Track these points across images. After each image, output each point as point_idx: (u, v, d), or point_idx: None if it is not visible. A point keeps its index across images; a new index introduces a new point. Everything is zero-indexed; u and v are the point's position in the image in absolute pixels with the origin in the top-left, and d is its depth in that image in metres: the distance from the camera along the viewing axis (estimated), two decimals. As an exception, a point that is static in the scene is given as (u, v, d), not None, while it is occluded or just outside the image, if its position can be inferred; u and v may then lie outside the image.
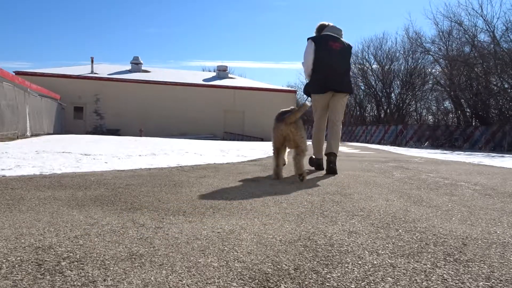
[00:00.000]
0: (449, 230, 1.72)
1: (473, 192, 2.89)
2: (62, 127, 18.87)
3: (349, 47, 4.25)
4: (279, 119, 3.38)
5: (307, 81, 4.34)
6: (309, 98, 4.39)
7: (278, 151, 3.43)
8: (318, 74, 4.11)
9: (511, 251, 1.43)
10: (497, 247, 1.47)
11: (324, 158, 4.09)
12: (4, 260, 1.17)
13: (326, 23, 4.29)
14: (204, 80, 27.32)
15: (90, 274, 1.08)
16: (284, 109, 3.56)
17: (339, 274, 1.16)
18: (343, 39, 4.24)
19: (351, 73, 4.44)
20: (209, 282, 1.07)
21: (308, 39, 4.21)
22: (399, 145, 22.70)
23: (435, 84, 30.65)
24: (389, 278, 1.13)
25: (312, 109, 4.33)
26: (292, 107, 3.71)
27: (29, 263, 1.16)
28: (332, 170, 3.84)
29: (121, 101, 23.58)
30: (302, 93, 4.52)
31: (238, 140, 22.09)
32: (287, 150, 3.70)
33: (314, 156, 4.30)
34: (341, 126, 4.15)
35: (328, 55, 4.06)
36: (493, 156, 10.43)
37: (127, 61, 33.36)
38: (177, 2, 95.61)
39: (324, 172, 4.00)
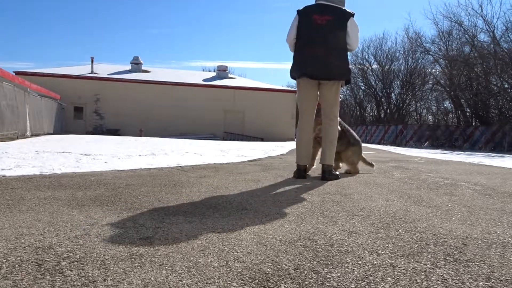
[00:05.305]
0: (449, 230, 1.72)
1: (473, 192, 2.89)
2: (62, 127, 18.85)
3: (344, 17, 3.20)
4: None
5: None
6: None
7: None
8: (296, 55, 3.38)
9: (511, 251, 1.42)
10: (497, 247, 1.47)
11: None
12: (4, 260, 1.17)
13: None
14: (204, 80, 27.29)
15: (90, 274, 1.08)
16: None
17: (339, 274, 1.15)
18: (343, 7, 3.27)
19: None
20: (209, 282, 1.06)
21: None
22: (399, 145, 22.70)
23: (435, 84, 30.70)
24: (389, 278, 1.13)
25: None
26: None
27: (29, 263, 1.15)
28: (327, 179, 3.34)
29: (121, 101, 23.54)
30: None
31: (238, 140, 22.06)
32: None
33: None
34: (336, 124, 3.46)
35: (308, 34, 3.25)
36: (493, 156, 10.44)
37: (127, 61, 33.32)
38: (178, 3, 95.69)
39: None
